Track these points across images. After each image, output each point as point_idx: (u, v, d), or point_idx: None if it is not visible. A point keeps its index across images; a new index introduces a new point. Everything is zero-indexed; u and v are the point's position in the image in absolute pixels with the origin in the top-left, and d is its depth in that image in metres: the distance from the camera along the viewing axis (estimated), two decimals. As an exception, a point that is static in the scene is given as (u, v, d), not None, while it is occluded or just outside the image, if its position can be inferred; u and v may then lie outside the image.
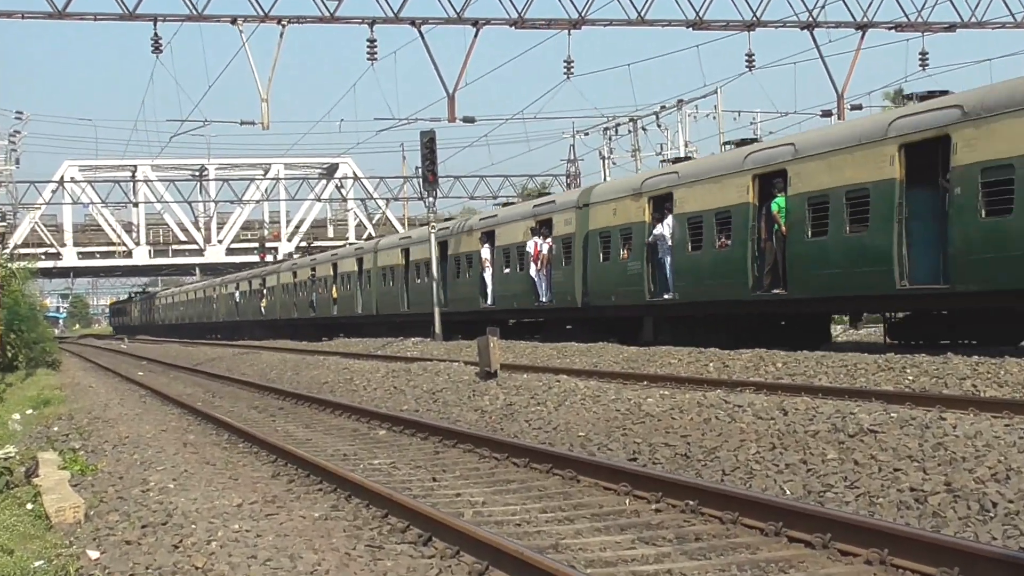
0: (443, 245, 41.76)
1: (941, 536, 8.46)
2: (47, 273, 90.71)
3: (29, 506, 11.89)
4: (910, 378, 17.62)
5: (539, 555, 8.21)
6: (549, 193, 65.92)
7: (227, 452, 16.57)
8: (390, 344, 39.42)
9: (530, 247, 35.16)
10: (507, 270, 36.55)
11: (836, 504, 10.24)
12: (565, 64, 35.26)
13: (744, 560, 8.67)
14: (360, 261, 51.81)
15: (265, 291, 69.14)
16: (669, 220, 28.38)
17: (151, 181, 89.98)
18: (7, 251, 61.99)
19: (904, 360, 18.71)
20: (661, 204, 28.89)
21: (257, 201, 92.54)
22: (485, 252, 38.48)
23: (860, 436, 11.97)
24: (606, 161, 68.01)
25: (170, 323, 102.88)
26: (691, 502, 10.41)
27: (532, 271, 34.96)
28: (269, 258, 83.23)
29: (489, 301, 37.97)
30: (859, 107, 44.38)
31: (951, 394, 15.84)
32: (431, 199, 42.65)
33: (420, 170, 43.40)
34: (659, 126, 63.95)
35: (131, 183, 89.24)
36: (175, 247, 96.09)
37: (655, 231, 28.94)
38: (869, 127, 22.91)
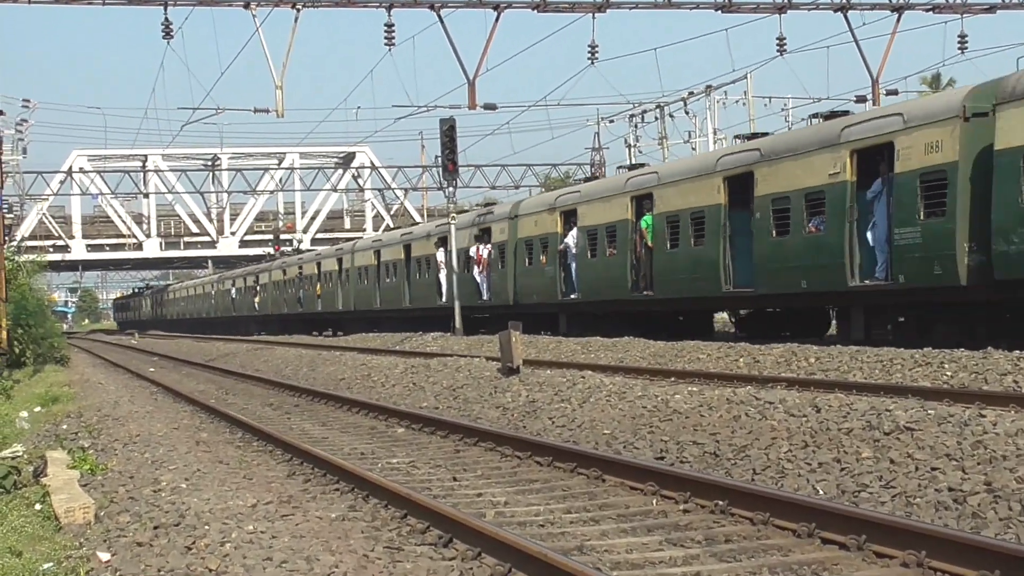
0: (407, 248, 48.16)
1: (981, 538, 8.44)
2: (55, 266, 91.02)
3: (37, 506, 11.95)
4: (948, 374, 17.58)
5: (563, 557, 8.22)
6: (575, 182, 66.06)
7: (241, 451, 16.62)
8: (409, 339, 39.47)
9: (473, 252, 40.98)
10: (458, 271, 41.25)
11: (871, 504, 10.22)
12: (589, 49, 35.26)
13: (776, 562, 8.66)
14: (340, 261, 57.56)
15: (258, 288, 74.48)
16: (574, 232, 34.42)
17: (162, 171, 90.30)
18: (14, 244, 62.30)
19: (942, 355, 18.66)
20: (569, 218, 34.94)
21: (271, 191, 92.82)
22: (440, 255, 43.83)
23: (896, 434, 11.94)
24: (632, 149, 67.97)
25: (172, 318, 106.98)
26: (720, 502, 10.41)
27: (475, 273, 40.84)
28: (284, 250, 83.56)
29: (443, 299, 42.95)
30: (895, 92, 44.09)
31: (991, 390, 15.79)
32: (451, 189, 42.73)
33: (440, 159, 43.49)
34: (687, 113, 63.96)
35: (141, 173, 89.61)
36: (187, 239, 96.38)
37: (565, 240, 34.93)
38: (704, 162, 29.63)
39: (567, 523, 10.44)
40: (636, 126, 67.28)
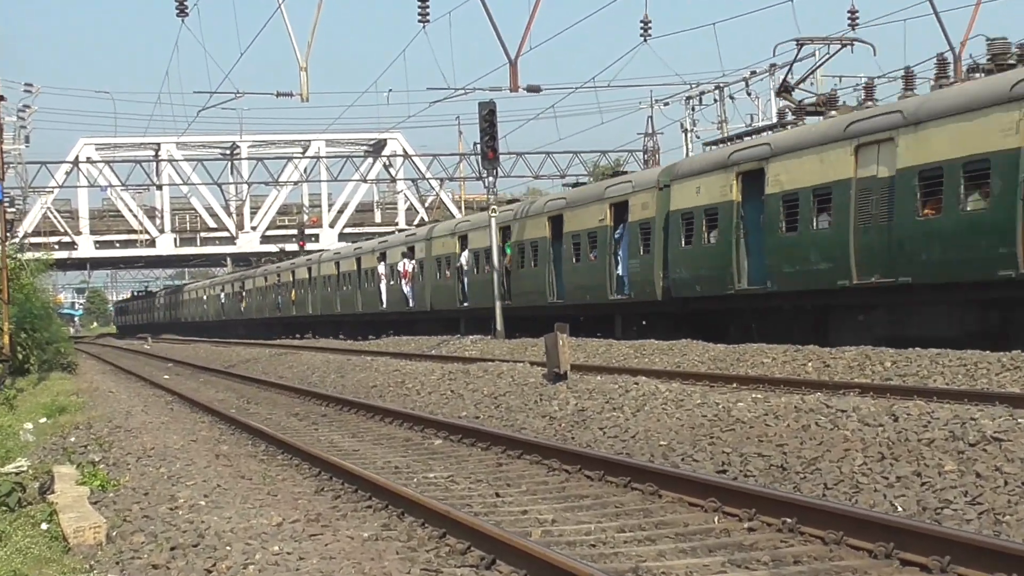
0: (359, 260, 59.89)
1: (1077, 559, 8.38)
2: (61, 265, 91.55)
3: (44, 526, 12.04)
4: (1039, 378, 17.46)
5: (617, 580, 8.22)
6: (624, 171, 66.07)
7: (264, 465, 16.69)
8: (446, 343, 39.55)
9: (400, 267, 53.55)
10: (393, 282, 54.63)
11: (955, 522, 10.17)
12: (642, 25, 35.25)
13: (850, 586, 8.64)
14: (310, 270, 68.93)
15: (244, 293, 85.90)
16: (466, 253, 46.25)
17: (176, 161, 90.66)
18: (16, 240, 62.76)
19: (1032, 358, 18.54)
20: (463, 241, 47.27)
21: (295, 183, 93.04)
22: (381, 268, 56.36)
23: (982, 445, 11.88)
24: (688, 134, 67.79)
25: (168, 321, 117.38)
26: (789, 520, 10.38)
27: (403, 285, 53.54)
28: (310, 246, 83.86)
29: (384, 306, 56.26)
30: (975, 69, 43.88)
31: (1087, 397, 15.68)
32: (491, 179, 42.73)
33: (478, 146, 43.47)
34: (749, 94, 63.68)
35: (154, 163, 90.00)
36: (203, 235, 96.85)
37: (460, 259, 46.69)
38: (594, 191, 38.38)
39: (620, 543, 10.44)
40: (693, 109, 67.00)
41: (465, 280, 46.57)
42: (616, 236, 35.29)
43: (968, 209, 22.69)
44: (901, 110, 24.89)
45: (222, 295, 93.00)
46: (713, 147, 34.05)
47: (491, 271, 40.97)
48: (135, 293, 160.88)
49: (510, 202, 48.51)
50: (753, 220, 29.00)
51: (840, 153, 25.98)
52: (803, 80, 34.40)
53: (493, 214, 40.47)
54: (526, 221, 41.81)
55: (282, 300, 74.57)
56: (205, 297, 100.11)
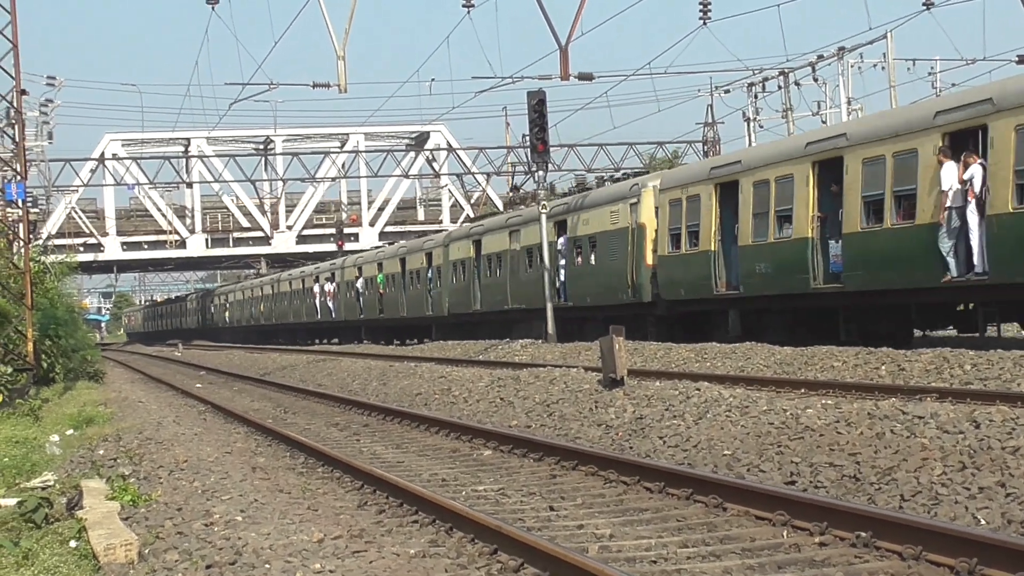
0: (303, 280, 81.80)
1: None
2: (86, 268, 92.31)
3: (73, 543, 12.11)
4: None
5: (680, 598, 8.21)
6: (682, 163, 66.17)
7: (304, 478, 16.75)
8: (494, 347, 39.58)
9: (327, 288, 74.87)
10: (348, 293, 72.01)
11: (1042, 536, 10.12)
12: (701, 7, 35.15)
13: (930, 604, 8.60)
14: (273, 286, 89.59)
15: (228, 304, 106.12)
16: (361, 279, 65.98)
17: (207, 157, 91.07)
18: (40, 242, 63.21)
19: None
20: (360, 269, 68.80)
21: (333, 179, 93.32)
22: (316, 288, 77.01)
23: (1071, 453, 11.79)
24: (751, 124, 67.66)
25: (169, 328, 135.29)
26: (863, 534, 10.34)
27: (328, 301, 74.54)
28: (350, 246, 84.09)
29: (320, 315, 76.41)
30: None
31: None
32: (541, 172, 42.74)
33: (527, 138, 43.47)
34: (815, 80, 63.51)
35: (184, 160, 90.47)
36: (236, 235, 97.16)
37: (358, 282, 67.89)
38: (529, 216, 45.77)
39: (683, 559, 10.43)
40: (756, 96, 66.95)
41: (363, 296, 68.52)
42: (559, 248, 43.41)
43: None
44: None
45: (212, 306, 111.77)
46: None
47: (542, 270, 41.21)
48: (143, 303, 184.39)
49: (480, 218, 58.29)
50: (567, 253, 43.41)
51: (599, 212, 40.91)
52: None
53: (543, 210, 40.46)
54: (527, 228, 46.73)
55: (254, 311, 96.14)
56: (197, 307, 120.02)
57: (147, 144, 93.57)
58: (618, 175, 46.48)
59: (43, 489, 15.86)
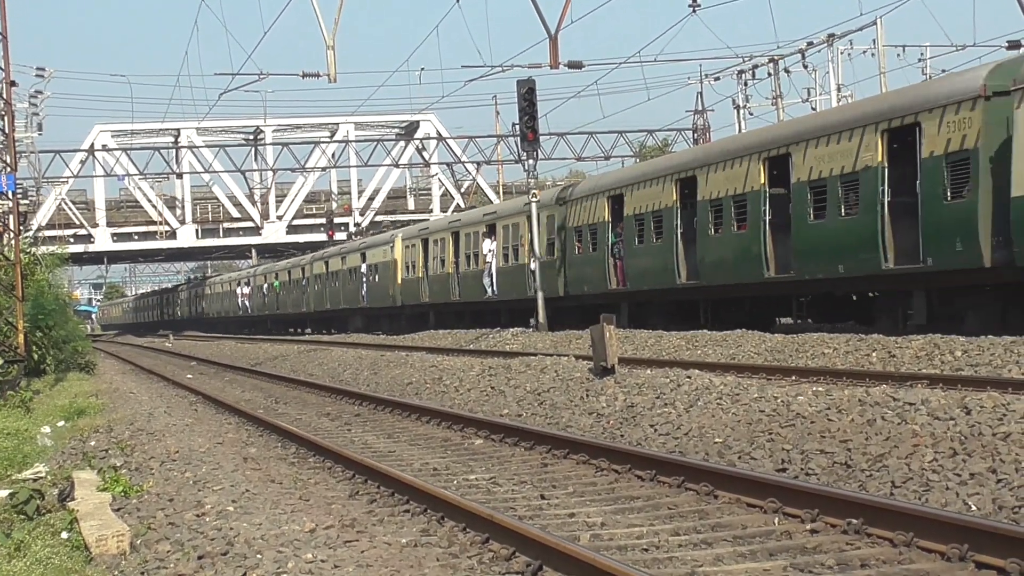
0: (236, 283, 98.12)
1: None
2: (77, 259, 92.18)
3: (64, 535, 12.12)
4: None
5: (672, 586, 8.21)
6: (671, 151, 66.28)
7: (295, 468, 16.76)
8: (485, 336, 39.59)
9: (243, 291, 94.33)
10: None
11: (1033, 521, 10.13)
12: (690, -6, 35.00)
13: (921, 590, 8.61)
14: (230, 284, 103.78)
15: (202, 295, 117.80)
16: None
17: (197, 147, 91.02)
18: (30, 234, 63.06)
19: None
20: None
21: (323, 169, 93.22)
22: (239, 290, 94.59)
23: (1061, 438, 11.81)
24: (741, 111, 67.62)
25: (140, 321, 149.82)
26: (854, 521, 10.35)
27: (245, 301, 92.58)
28: (340, 236, 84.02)
29: (241, 311, 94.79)
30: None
31: None
32: (531, 161, 42.70)
33: (517, 127, 43.47)
34: (805, 67, 63.46)
35: (173, 150, 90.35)
36: (227, 225, 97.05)
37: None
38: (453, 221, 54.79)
39: (675, 547, 10.44)
40: (746, 84, 66.91)
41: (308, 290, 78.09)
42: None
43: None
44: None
45: (181, 297, 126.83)
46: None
47: (532, 261, 41.58)
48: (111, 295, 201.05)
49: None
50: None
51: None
52: None
53: (534, 199, 40.47)
54: (471, 231, 51.48)
55: (221, 304, 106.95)
56: (165, 300, 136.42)
57: (137, 135, 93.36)
58: (607, 163, 47.55)
59: (35, 481, 15.86)
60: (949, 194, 24.49)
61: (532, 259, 40.87)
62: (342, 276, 69.94)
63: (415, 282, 57.20)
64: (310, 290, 77.19)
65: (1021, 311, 23.96)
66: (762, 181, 30.78)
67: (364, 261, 65.43)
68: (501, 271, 47.19)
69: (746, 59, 63.79)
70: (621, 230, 38.55)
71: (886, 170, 26.27)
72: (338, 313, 71.89)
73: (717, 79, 70.15)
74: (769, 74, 64.52)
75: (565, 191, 43.88)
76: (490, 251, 48.21)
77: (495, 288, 47.67)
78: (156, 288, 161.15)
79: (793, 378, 20.23)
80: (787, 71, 64.15)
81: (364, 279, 65.22)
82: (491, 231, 48.63)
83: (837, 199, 27.69)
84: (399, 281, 59.78)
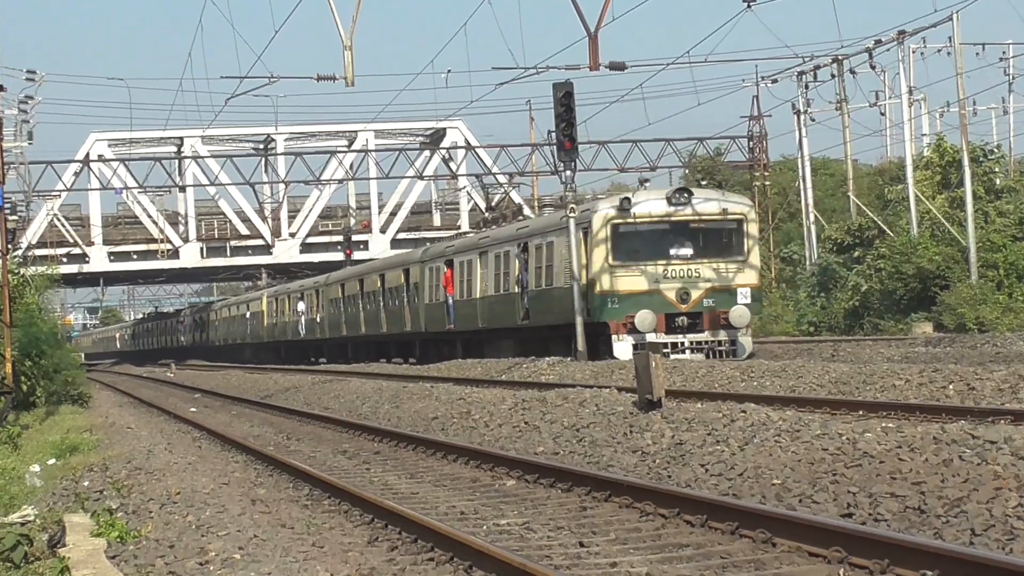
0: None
1: None
2: (70, 280, 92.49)
3: (55, 584, 12.12)
4: None
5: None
6: (725, 161, 66.78)
7: (309, 511, 16.76)
8: (518, 367, 39.57)
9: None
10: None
11: None
12: (744, -12, 34.98)
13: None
14: (204, 313, 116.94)
15: (168, 326, 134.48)
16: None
17: (202, 158, 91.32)
18: (19, 253, 63.40)
19: None
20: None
21: (340, 181, 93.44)
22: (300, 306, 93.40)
23: None
24: (802, 116, 67.56)
25: (117, 350, 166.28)
26: (929, 573, 10.29)
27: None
28: (360, 255, 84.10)
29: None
30: None
31: None
32: (568, 173, 42.67)
33: (553, 135, 43.48)
34: (873, 67, 63.50)
35: (176, 161, 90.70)
36: (234, 243, 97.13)
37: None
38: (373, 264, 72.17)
39: (729, 601, 10.38)
40: (807, 86, 66.94)
41: (302, 320, 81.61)
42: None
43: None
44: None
45: (147, 327, 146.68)
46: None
47: (568, 282, 41.49)
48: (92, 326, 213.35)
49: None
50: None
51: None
52: None
53: (572, 214, 40.40)
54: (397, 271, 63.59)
55: (186, 336, 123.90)
56: (132, 332, 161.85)
57: (136, 144, 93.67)
58: (653, 174, 47.61)
59: (22, 525, 15.86)
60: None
61: (572, 281, 40.72)
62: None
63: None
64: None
65: None
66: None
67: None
68: (487, 299, 50.27)
69: (807, 59, 63.73)
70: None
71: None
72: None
73: (775, 81, 70.07)
74: (832, 75, 64.58)
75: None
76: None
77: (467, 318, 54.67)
78: (143, 315, 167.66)
79: (860, 413, 20.16)
80: (852, 72, 64.20)
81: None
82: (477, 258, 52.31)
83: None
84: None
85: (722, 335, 39.09)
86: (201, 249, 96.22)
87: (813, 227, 69.83)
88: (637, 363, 22.45)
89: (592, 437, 21.45)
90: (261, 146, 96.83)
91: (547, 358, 40.01)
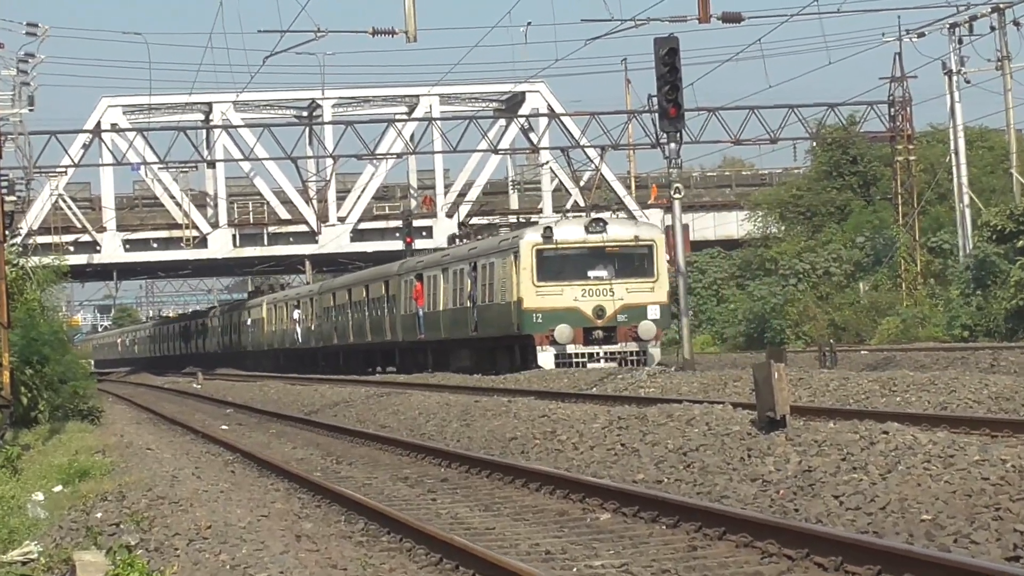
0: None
1: None
2: (78, 273, 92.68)
3: (64, 634, 12.22)
4: None
5: None
6: (859, 131, 66.61)
7: (364, 549, 16.83)
8: (611, 378, 39.59)
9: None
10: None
11: None
12: (886, -77, 34.91)
13: None
14: (187, 325, 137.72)
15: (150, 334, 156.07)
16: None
17: (235, 127, 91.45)
18: (18, 240, 63.84)
19: None
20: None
21: (398, 155, 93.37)
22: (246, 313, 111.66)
23: None
24: (955, 77, 67.14)
25: (111, 358, 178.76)
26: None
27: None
28: (423, 243, 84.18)
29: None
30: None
31: None
32: (673, 145, 42.58)
33: (655, 100, 43.47)
34: (1040, 18, 62.98)
35: (204, 131, 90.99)
36: (273, 230, 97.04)
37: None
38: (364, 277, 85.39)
39: (870, 659, 10.36)
40: (960, 41, 66.46)
41: (298, 329, 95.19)
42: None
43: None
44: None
45: (130, 337, 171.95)
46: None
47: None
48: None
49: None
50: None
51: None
52: None
53: (677, 195, 40.43)
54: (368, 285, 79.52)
55: (168, 343, 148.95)
56: (122, 340, 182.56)
57: (156, 111, 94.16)
58: (774, 148, 47.34)
59: (24, 563, 16.00)
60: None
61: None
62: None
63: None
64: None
65: None
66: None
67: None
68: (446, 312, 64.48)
69: (962, 8, 63.41)
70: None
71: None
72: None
73: (921, 35, 69.73)
74: (992, 28, 64.21)
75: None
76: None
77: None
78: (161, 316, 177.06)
79: (1027, 435, 20.05)
80: (1016, 24, 63.71)
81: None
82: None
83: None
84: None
85: (632, 346, 51.57)
86: (233, 237, 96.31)
87: (968, 211, 69.45)
88: (757, 375, 22.38)
89: (702, 462, 21.43)
90: (305, 114, 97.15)
91: (648, 368, 40.10)
